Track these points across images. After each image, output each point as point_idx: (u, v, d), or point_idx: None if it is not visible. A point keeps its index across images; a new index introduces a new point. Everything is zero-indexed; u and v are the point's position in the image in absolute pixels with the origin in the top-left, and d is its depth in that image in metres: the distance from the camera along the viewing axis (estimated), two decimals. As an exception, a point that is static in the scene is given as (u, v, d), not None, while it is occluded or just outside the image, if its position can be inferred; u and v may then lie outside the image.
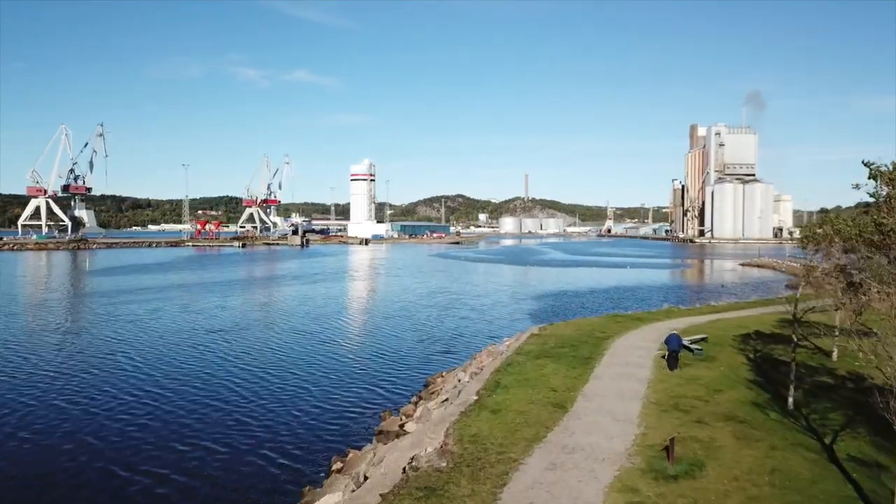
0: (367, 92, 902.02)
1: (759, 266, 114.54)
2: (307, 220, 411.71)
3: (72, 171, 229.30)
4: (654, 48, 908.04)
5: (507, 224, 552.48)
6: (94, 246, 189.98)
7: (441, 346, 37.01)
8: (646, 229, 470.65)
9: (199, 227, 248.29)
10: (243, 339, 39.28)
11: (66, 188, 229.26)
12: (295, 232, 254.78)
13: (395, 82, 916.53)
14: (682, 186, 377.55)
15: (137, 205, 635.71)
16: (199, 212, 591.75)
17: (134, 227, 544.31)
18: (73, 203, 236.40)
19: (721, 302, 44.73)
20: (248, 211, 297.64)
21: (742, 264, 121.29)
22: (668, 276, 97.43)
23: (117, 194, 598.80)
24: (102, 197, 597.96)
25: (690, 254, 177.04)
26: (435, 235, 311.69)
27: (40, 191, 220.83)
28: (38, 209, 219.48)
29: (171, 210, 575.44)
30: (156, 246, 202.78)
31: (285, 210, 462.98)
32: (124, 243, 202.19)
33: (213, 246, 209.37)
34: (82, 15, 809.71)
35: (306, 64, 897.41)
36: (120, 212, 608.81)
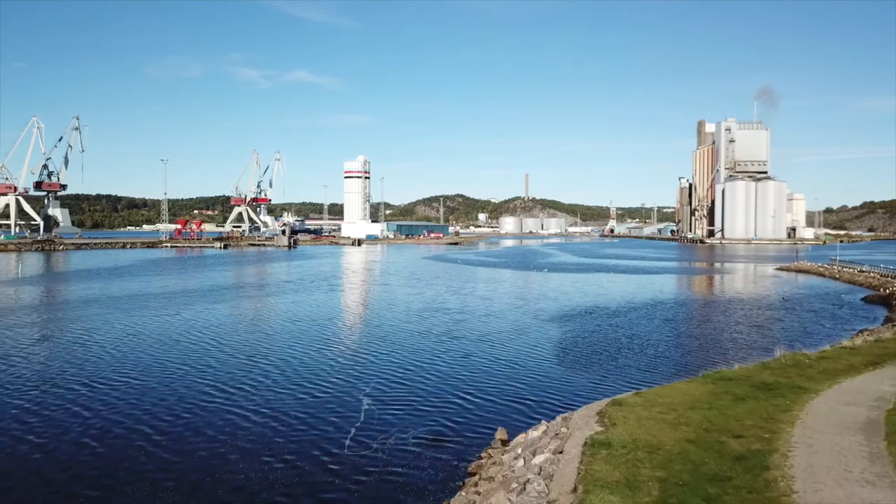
0: (368, 92, 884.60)
1: (800, 271, 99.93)
2: (301, 219, 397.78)
3: (45, 166, 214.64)
4: (655, 47, 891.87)
5: (508, 224, 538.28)
6: (62, 247, 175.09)
7: (419, 427, 22.01)
8: (650, 229, 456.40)
9: (179, 226, 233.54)
10: (81, 409, 24.50)
11: (38, 185, 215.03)
12: (284, 232, 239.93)
13: (395, 82, 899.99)
14: (690, 185, 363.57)
15: (133, 204, 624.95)
16: (196, 211, 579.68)
17: (128, 227, 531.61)
18: (46, 201, 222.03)
19: (857, 341, 29.86)
20: (236, 210, 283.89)
21: (780, 269, 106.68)
22: (705, 285, 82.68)
23: (113, 193, 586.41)
24: (98, 196, 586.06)
25: (707, 256, 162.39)
26: (432, 235, 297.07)
27: (10, 188, 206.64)
28: (7, 207, 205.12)
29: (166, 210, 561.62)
30: (131, 247, 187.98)
31: (282, 209, 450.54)
32: (96, 244, 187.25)
33: (193, 247, 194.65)
34: (82, 15, 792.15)
35: (306, 64, 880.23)
36: (115, 211, 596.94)
